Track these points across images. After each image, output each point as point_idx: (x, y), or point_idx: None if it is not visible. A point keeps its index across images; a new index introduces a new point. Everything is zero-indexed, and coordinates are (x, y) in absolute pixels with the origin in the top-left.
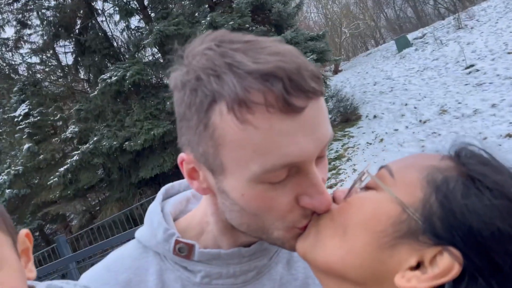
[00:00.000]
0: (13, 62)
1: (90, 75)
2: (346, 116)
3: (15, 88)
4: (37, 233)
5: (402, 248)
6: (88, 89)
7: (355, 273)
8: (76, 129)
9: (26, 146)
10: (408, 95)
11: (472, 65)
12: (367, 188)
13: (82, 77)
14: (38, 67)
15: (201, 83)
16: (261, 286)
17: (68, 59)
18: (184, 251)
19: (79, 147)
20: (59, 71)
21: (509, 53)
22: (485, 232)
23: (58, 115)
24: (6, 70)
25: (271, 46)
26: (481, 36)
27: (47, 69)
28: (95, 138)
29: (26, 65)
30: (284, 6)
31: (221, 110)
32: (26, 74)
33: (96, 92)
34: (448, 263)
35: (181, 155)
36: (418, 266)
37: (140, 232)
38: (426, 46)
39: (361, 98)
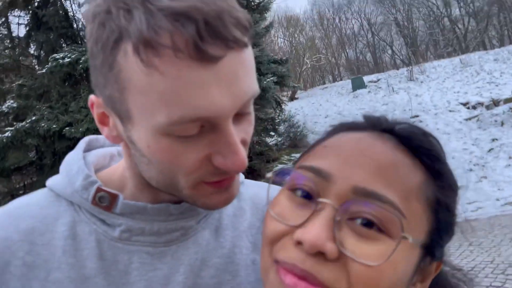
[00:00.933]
0: None
1: (42, 52)
2: (294, 142)
3: None
4: None
5: (414, 278)
6: (36, 66)
7: None
8: (15, 105)
9: None
10: None
11: (416, 116)
12: (369, 237)
13: (32, 52)
14: None
15: (110, 17)
16: (184, 249)
17: (20, 31)
18: (105, 201)
19: (14, 123)
20: (8, 41)
21: (450, 111)
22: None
23: None
24: None
25: None
26: (429, 90)
27: None
28: (34, 118)
29: None
30: (255, 24)
31: (125, 50)
32: None
33: (44, 71)
34: (435, 265)
35: (91, 97)
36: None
37: (53, 180)
38: (378, 90)
39: (311, 127)
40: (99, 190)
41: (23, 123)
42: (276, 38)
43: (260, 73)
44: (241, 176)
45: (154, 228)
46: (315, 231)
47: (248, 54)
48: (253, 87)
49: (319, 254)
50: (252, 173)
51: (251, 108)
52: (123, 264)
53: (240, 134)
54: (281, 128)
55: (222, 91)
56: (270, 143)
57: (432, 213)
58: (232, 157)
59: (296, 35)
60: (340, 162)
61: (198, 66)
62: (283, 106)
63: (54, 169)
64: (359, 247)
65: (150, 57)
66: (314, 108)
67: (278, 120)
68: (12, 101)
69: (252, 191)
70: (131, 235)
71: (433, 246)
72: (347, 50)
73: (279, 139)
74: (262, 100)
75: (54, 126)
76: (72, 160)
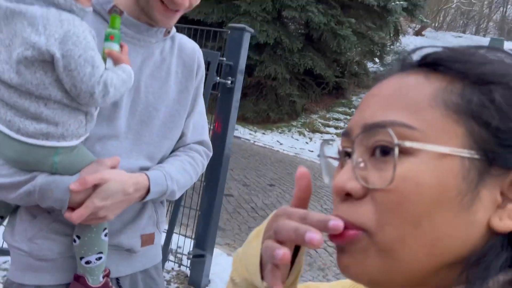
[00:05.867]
0: None
1: None
2: None
3: None
4: None
5: (483, 194)
6: None
7: (455, 256)
8: None
9: None
10: None
11: None
12: (381, 162)
13: None
14: None
15: None
16: (150, 50)
17: None
18: (116, 12)
19: None
20: None
21: None
22: None
23: None
24: None
25: None
26: None
27: None
28: None
29: None
30: None
31: None
32: None
33: None
34: None
35: None
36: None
37: None
38: None
39: None
40: (114, 6)
41: None
42: None
43: None
44: (174, 29)
45: (135, 35)
46: (339, 177)
47: None
48: None
49: (349, 197)
50: (337, 89)
51: None
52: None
53: None
54: (388, 58)
55: None
56: (370, 69)
57: (470, 117)
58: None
59: None
60: (357, 113)
61: None
62: (400, 37)
63: None
64: (380, 177)
65: None
66: None
67: (389, 49)
68: None
69: (181, 40)
70: (123, 34)
71: (493, 152)
72: (509, 6)
73: (381, 68)
74: (380, 20)
75: None
76: None
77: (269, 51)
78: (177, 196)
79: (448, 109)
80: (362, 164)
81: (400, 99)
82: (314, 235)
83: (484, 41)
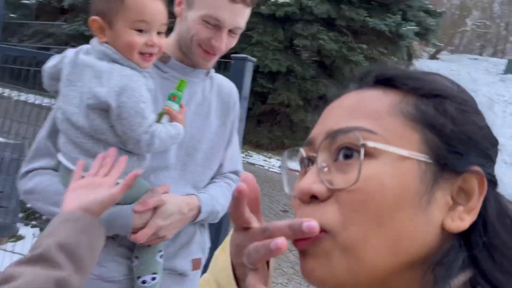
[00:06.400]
0: None
1: None
2: None
3: None
4: None
5: (438, 196)
6: None
7: (415, 255)
8: None
9: None
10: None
11: None
12: (344, 165)
13: None
14: None
15: None
16: (193, 88)
17: None
18: (165, 59)
19: None
20: None
21: None
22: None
23: None
24: None
25: None
26: None
27: None
28: None
29: None
30: None
31: None
32: None
33: None
34: (475, 180)
35: None
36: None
37: None
38: None
39: None
40: (164, 53)
41: None
42: None
43: (404, 18)
44: (213, 70)
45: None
46: (304, 180)
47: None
48: (242, 24)
49: (313, 200)
50: None
51: (238, 32)
52: (167, 87)
53: (225, 41)
54: None
55: (231, 15)
56: None
57: (424, 126)
58: (216, 44)
59: None
60: (319, 124)
61: (228, 2)
62: (414, 61)
63: None
64: (344, 179)
65: None
66: (449, 76)
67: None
68: None
69: (219, 79)
70: (172, 76)
71: (444, 158)
72: None
73: None
74: (392, 45)
75: None
76: None
77: (282, 79)
78: (219, 217)
79: (405, 118)
80: (326, 169)
81: (361, 109)
82: (279, 241)
83: (502, 62)
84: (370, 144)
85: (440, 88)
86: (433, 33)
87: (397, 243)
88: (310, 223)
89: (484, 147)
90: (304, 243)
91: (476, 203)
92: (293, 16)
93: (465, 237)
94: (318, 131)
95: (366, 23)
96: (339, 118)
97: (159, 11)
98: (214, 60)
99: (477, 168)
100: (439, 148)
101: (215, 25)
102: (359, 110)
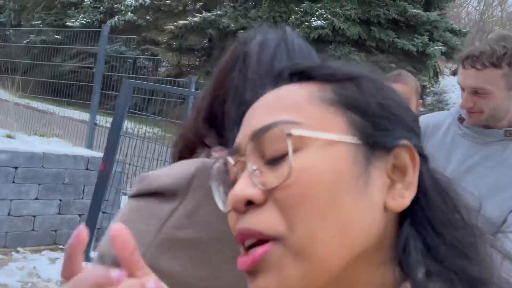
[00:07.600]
0: None
1: None
2: None
3: None
4: None
5: (375, 176)
6: None
7: (366, 243)
8: None
9: None
10: None
11: None
12: (276, 159)
13: None
14: None
15: None
16: (489, 152)
17: None
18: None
19: (202, 12)
20: None
21: None
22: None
23: None
24: None
25: None
26: None
27: None
28: (219, 12)
29: None
30: None
31: None
32: None
33: None
34: (406, 155)
35: None
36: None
37: None
38: None
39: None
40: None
41: (209, 13)
42: (466, 5)
43: (431, 39)
44: None
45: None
46: (236, 187)
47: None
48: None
49: (250, 207)
50: None
51: (481, 92)
52: (463, 147)
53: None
54: (428, 99)
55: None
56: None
57: (346, 108)
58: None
59: (492, 7)
60: (242, 129)
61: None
62: (440, 78)
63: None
64: (276, 176)
65: None
66: None
67: (429, 91)
68: None
69: None
70: (467, 135)
71: (372, 136)
72: None
73: (422, 109)
74: (420, 64)
75: (232, 25)
76: None
77: None
78: None
79: (326, 104)
80: (257, 172)
81: (281, 104)
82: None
83: None
84: (295, 132)
85: (353, 71)
86: (458, 52)
87: (345, 233)
88: (116, 273)
89: (407, 121)
90: (251, 261)
91: (412, 177)
92: (326, 38)
93: (410, 216)
94: (242, 135)
95: (395, 44)
96: (260, 117)
97: None
98: (475, 117)
99: (405, 142)
100: (365, 127)
101: None
102: (278, 105)
